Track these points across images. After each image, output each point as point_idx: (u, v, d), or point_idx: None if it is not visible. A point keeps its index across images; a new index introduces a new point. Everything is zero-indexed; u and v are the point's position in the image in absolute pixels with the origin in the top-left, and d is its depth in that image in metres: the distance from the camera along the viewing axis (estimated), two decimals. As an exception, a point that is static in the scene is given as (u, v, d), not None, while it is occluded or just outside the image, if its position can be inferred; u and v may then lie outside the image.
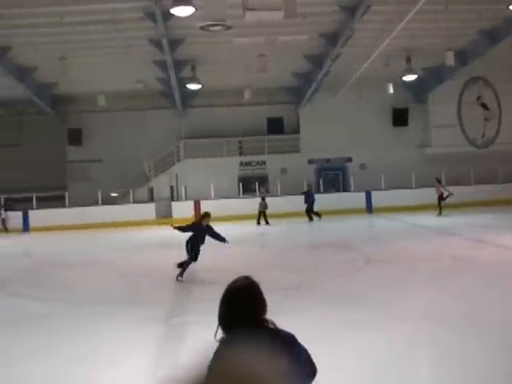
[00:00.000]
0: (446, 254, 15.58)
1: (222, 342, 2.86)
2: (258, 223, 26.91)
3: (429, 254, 15.83)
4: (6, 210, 30.00)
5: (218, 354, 2.77)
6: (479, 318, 8.64)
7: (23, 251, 22.29)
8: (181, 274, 13.14)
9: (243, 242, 21.10)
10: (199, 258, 13.60)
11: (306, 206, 28.09)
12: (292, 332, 3.02)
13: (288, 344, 2.92)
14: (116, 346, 8.15)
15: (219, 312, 2.96)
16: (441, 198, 26.95)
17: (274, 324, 2.98)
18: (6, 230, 29.18)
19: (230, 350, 2.67)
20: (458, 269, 13.26)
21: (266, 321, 2.97)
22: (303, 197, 28.36)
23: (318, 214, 28.10)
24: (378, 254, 16.09)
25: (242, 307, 2.93)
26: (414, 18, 20.74)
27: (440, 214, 26.31)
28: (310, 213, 28.08)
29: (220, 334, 2.93)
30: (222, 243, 13.44)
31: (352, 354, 7.17)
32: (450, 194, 26.84)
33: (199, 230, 13.32)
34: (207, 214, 13.53)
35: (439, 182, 27.74)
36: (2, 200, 30.91)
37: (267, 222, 26.70)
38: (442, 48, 23.90)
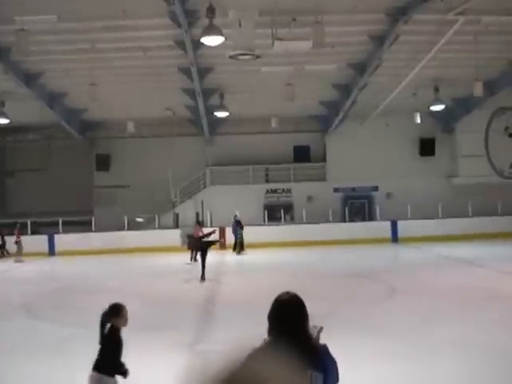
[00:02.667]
0: (471, 286, 15.42)
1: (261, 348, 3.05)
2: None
3: (454, 285, 15.67)
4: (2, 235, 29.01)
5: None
6: (506, 349, 8.52)
7: (48, 275, 22.44)
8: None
9: (269, 270, 21.06)
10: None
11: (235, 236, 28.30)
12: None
13: (318, 356, 3.22)
14: (139, 373, 8.13)
15: (269, 322, 3.31)
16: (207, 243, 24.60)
17: (318, 333, 3.38)
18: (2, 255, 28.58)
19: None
20: (483, 300, 13.10)
21: (309, 334, 3.32)
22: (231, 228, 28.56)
23: (242, 248, 27.98)
24: (404, 285, 15.96)
25: (290, 317, 3.29)
26: (442, 49, 20.78)
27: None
28: (236, 244, 28.20)
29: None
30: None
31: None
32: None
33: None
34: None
35: (200, 224, 25.53)
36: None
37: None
38: (471, 78, 23.79)
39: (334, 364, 3.28)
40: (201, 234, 21.47)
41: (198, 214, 21.05)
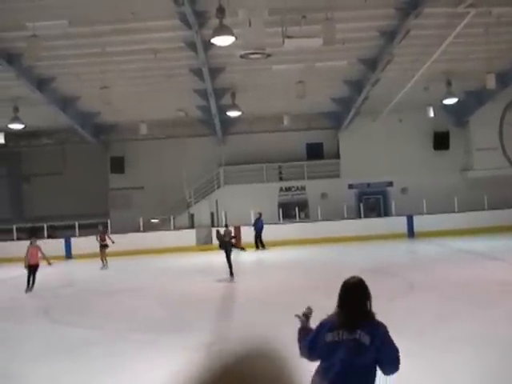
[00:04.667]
0: (489, 279, 15.34)
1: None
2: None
3: (472, 279, 15.60)
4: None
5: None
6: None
7: (65, 278, 22.56)
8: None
9: (284, 268, 21.07)
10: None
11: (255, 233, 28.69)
12: None
13: (378, 337, 4.17)
14: (157, 376, 8.16)
15: (338, 299, 4.31)
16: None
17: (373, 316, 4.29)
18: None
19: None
20: (502, 294, 13.03)
21: (371, 312, 4.29)
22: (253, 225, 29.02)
23: (263, 245, 28.47)
24: (422, 280, 15.90)
25: (355, 297, 4.29)
26: (453, 42, 20.67)
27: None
28: (258, 241, 28.57)
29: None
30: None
31: (399, 380, 7.07)
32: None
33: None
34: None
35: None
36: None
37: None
38: (483, 71, 23.62)
39: (383, 336, 4.19)
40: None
41: (227, 226, 22.01)
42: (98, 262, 24.54)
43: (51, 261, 19.04)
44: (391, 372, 4.23)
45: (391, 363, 4.20)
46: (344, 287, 4.37)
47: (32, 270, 18.34)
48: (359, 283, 4.38)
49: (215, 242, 28.93)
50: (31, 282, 18.31)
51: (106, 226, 25.99)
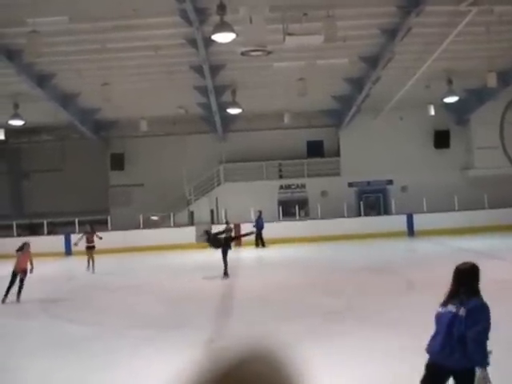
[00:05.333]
0: (489, 278, 15.18)
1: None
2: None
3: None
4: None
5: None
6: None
7: (65, 275, 22.54)
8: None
9: (283, 266, 21.05)
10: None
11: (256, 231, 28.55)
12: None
13: (473, 311, 5.06)
14: (156, 372, 8.15)
15: (452, 280, 5.37)
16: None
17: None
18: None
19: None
20: (501, 293, 12.99)
21: (477, 292, 5.27)
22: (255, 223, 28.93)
23: (263, 243, 28.46)
24: (421, 279, 15.88)
25: (463, 279, 5.34)
26: (455, 40, 20.62)
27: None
28: (258, 239, 28.49)
29: None
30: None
31: (396, 380, 7.07)
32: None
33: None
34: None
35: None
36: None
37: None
38: (484, 69, 23.61)
39: (478, 311, 5.08)
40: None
41: (227, 222, 22.44)
42: (97, 259, 24.39)
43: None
44: (475, 341, 4.99)
45: (475, 331, 4.97)
46: (457, 270, 5.39)
47: (21, 276, 15.94)
48: (470, 268, 5.39)
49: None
50: (18, 290, 15.69)
51: (93, 226, 24.67)
